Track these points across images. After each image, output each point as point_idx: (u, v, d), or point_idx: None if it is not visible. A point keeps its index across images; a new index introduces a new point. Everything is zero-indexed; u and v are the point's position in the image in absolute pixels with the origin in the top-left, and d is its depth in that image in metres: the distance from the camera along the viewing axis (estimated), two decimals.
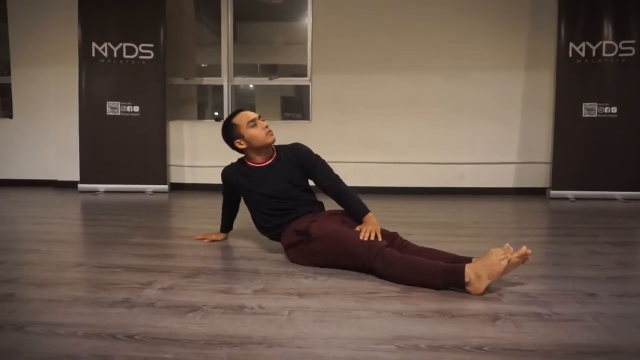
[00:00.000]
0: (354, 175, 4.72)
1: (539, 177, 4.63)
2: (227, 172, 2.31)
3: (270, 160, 2.25)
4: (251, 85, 12.12)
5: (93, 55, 4.43)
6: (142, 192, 4.53)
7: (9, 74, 4.84)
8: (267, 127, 2.21)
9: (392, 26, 4.63)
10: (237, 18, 5.00)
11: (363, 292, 1.76)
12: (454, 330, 1.42)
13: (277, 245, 2.31)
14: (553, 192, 4.38)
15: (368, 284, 1.86)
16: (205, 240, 2.50)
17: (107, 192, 4.49)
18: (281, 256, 2.26)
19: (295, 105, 9.67)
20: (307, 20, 4.75)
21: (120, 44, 4.44)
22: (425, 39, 4.62)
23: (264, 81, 5.06)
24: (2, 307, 1.56)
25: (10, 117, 4.90)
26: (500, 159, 4.67)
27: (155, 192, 4.54)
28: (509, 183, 4.69)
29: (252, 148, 2.21)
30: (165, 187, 4.59)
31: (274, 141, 2.24)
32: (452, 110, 4.67)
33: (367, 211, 2.12)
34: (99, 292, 1.72)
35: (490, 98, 4.64)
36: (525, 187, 4.64)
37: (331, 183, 2.18)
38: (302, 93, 5.00)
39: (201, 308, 1.58)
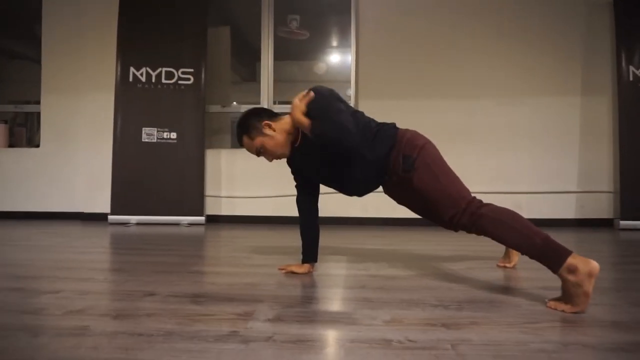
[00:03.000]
0: (399, 205, 4.40)
1: (603, 207, 4.31)
2: None
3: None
4: None
5: (130, 80, 4.24)
6: (176, 224, 4.19)
7: (38, 103, 4.63)
8: None
9: (442, 53, 4.48)
10: (275, 57, 4.87)
11: (518, 322, 1.41)
12: None
13: (369, 271, 1.97)
14: (623, 223, 4.05)
15: (514, 312, 1.51)
16: (283, 271, 2.14)
17: (139, 224, 4.15)
18: (381, 283, 1.92)
19: None
20: (351, 46, 4.61)
21: (160, 69, 4.25)
22: (476, 65, 4.45)
23: None
24: (82, 343, 1.20)
25: (37, 146, 4.64)
26: (559, 188, 4.37)
27: (191, 224, 4.20)
28: (570, 214, 4.36)
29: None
30: (201, 219, 4.25)
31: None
32: (506, 137, 4.43)
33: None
34: (193, 325, 1.37)
35: (546, 125, 4.41)
36: (589, 218, 4.31)
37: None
38: None
39: (337, 342, 1.23)
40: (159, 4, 4.28)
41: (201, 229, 4.03)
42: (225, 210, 4.49)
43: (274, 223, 4.39)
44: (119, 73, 4.24)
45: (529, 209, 4.38)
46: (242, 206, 4.46)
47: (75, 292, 1.74)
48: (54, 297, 1.65)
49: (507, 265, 2.28)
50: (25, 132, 5.00)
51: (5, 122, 4.76)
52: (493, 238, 1.73)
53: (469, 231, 1.80)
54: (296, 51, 7.29)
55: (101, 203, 4.32)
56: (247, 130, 1.94)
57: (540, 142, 4.41)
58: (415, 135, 1.99)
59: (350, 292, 1.80)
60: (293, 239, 2.10)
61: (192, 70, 4.27)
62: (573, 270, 1.47)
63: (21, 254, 2.60)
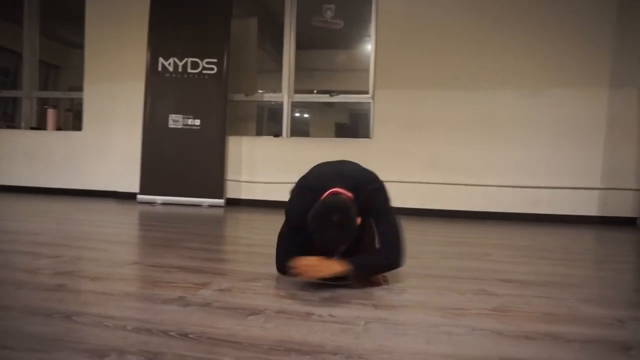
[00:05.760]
0: (417, 196, 4.44)
1: (627, 205, 4.12)
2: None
3: None
4: (306, 115, 12.30)
5: (159, 69, 4.54)
6: (198, 205, 4.49)
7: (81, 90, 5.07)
8: None
9: (462, 42, 4.41)
10: (299, 46, 4.98)
11: (449, 308, 1.49)
12: (576, 357, 1.12)
13: None
14: None
15: (453, 300, 1.59)
16: None
17: (164, 204, 4.49)
18: None
19: (349, 132, 9.61)
20: (370, 37, 4.65)
21: (186, 59, 4.52)
22: (498, 55, 4.35)
23: (325, 98, 4.97)
24: (52, 296, 1.44)
25: (80, 129, 5.10)
26: (581, 184, 4.22)
27: (211, 206, 4.48)
28: (591, 211, 4.21)
29: None
30: (221, 201, 4.52)
31: None
32: (527, 130, 4.32)
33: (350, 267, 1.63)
34: (152, 289, 1.57)
35: (570, 117, 4.25)
36: (611, 216, 4.14)
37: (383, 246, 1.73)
38: (358, 120, 4.84)
39: (263, 312, 1.38)
40: None
41: (220, 211, 4.29)
42: (245, 194, 4.74)
43: None
44: (148, 63, 4.56)
45: (548, 204, 4.27)
46: (260, 191, 4.68)
47: (73, 258, 2.00)
48: (53, 261, 1.91)
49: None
50: (71, 117, 5.49)
51: (54, 107, 5.26)
52: None
53: None
54: (325, 40, 7.40)
55: (133, 183, 4.69)
56: (350, 237, 1.60)
57: (562, 136, 4.26)
58: None
59: None
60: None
61: (215, 60, 4.50)
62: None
63: (48, 225, 2.95)
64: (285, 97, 4.85)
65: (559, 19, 4.25)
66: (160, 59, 4.54)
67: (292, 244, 1.75)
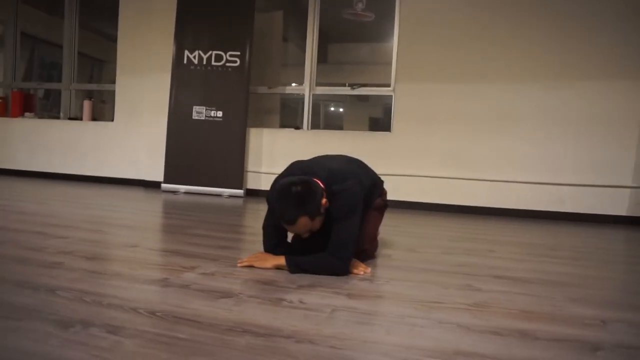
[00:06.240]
0: (435, 190, 4.37)
1: None
2: None
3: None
4: (340, 109, 12.24)
5: (185, 62, 4.68)
6: (218, 195, 4.61)
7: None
8: None
9: (485, 36, 4.27)
10: (326, 39, 4.95)
11: (425, 301, 1.48)
12: (538, 356, 1.09)
13: None
14: None
15: (434, 293, 1.57)
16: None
17: (186, 193, 4.64)
18: None
19: (383, 127, 9.51)
20: (394, 30, 4.58)
21: (210, 52, 4.63)
22: (521, 48, 4.18)
23: (346, 91, 4.95)
24: (48, 272, 1.54)
25: (112, 120, 5.34)
26: (611, 181, 4.01)
27: (231, 196, 4.59)
28: (621, 210, 3.99)
29: None
30: (241, 191, 4.62)
31: None
32: (553, 125, 4.14)
33: (291, 266, 1.72)
34: (140, 270, 1.65)
35: (598, 112, 4.03)
36: None
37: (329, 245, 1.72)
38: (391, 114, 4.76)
39: (236, 295, 1.42)
40: None
41: (239, 201, 4.39)
42: (264, 185, 4.81)
43: None
44: (174, 56, 4.70)
45: (574, 202, 4.09)
46: None
47: (79, 239, 2.12)
48: (60, 241, 2.04)
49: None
50: (107, 108, 5.75)
51: (90, 98, 5.53)
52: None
53: None
54: (355, 33, 7.34)
55: (159, 172, 4.88)
56: (312, 211, 1.63)
57: (592, 131, 4.05)
58: None
59: None
60: None
61: (238, 53, 4.58)
62: None
63: (67, 209, 3.13)
64: (306, 89, 4.87)
65: (588, 10, 4.03)
66: (186, 52, 4.67)
67: (273, 231, 1.80)
